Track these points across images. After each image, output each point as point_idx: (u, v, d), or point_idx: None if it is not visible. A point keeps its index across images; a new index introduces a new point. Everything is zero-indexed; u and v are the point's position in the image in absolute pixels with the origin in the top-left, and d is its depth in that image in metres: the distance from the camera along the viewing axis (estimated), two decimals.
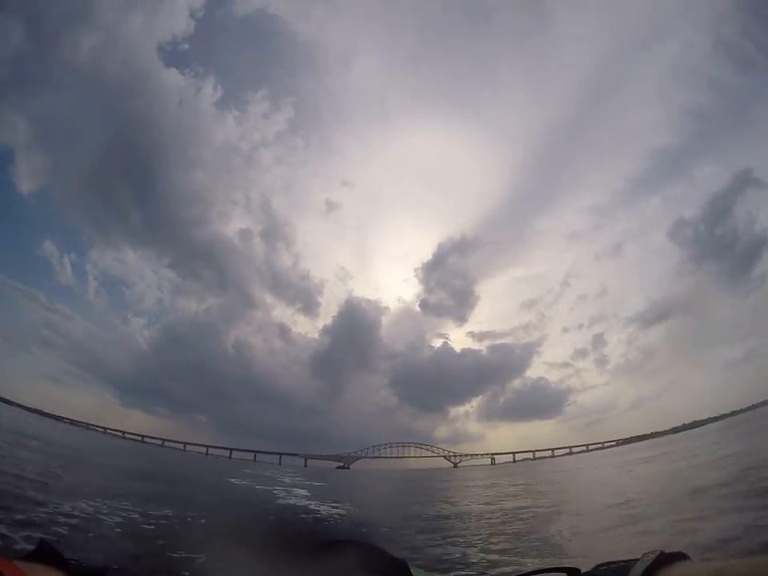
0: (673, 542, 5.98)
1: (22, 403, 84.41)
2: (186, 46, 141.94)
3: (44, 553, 0.73)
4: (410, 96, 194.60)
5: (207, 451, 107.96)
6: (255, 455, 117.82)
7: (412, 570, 0.94)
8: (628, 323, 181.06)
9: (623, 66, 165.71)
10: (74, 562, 0.74)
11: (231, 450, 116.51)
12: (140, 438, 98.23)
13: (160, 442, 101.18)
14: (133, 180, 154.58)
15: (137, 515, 8.96)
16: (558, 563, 0.84)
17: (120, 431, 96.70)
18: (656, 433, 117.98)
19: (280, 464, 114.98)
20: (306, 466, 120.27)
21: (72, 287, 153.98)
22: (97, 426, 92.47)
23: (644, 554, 0.62)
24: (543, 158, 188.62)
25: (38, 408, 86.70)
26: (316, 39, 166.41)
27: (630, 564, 0.62)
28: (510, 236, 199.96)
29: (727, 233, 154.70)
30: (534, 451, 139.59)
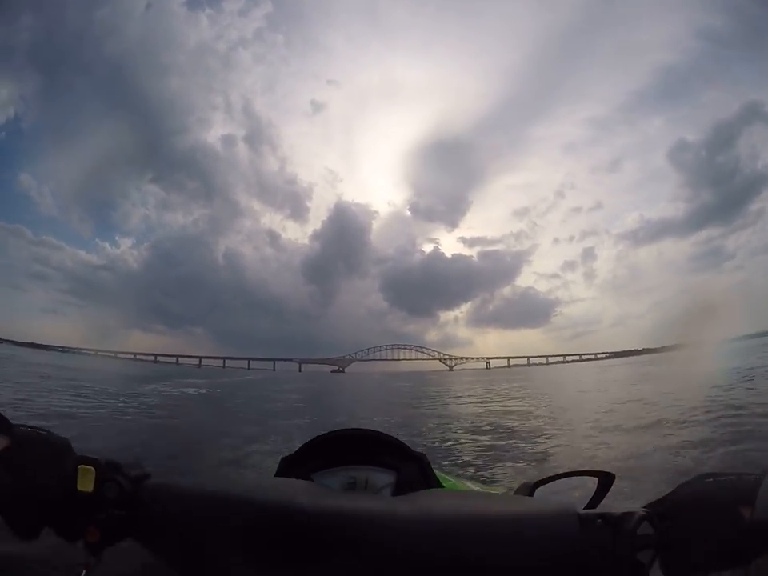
0: None
1: (14, 339, 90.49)
2: None
3: None
4: None
5: (200, 363, 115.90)
6: (249, 363, 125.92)
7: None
8: (619, 240, 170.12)
9: None
10: (27, 428, 0.62)
11: (224, 359, 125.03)
12: (132, 356, 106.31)
13: (152, 358, 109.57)
14: (104, 94, 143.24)
15: None
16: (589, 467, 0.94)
17: (112, 351, 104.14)
18: (647, 349, 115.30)
19: (274, 370, 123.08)
20: (300, 370, 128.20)
21: (56, 217, 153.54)
22: (88, 350, 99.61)
23: (766, 470, 0.53)
24: (543, 64, 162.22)
25: (31, 341, 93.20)
26: None
27: (749, 479, 0.54)
28: (505, 141, 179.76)
29: (728, 162, 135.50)
30: (528, 357, 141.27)
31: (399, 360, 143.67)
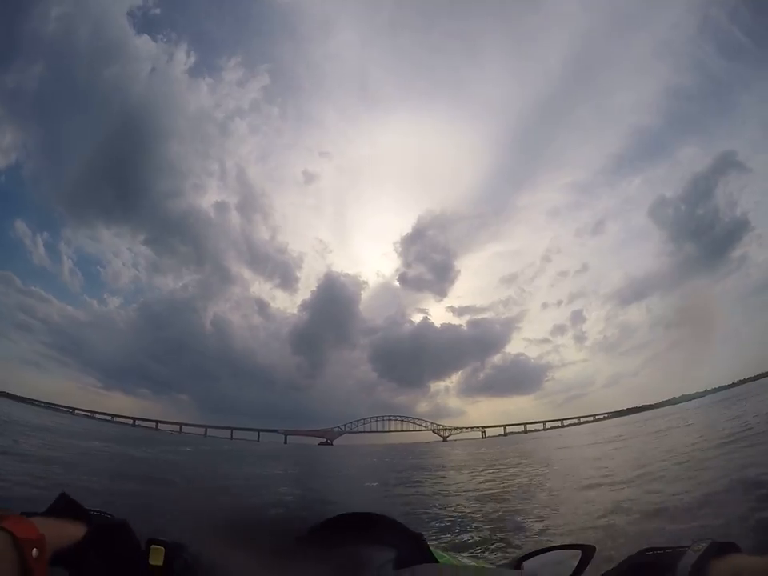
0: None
1: None
2: (158, 10, 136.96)
3: (64, 506, 0.72)
4: (390, 68, 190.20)
5: (180, 429, 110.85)
6: (232, 432, 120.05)
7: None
8: (607, 300, 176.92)
9: (608, 44, 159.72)
10: (96, 513, 0.74)
11: (206, 427, 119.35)
12: (110, 418, 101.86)
13: (131, 422, 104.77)
14: (105, 153, 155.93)
15: None
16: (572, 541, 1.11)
17: (89, 411, 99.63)
18: (647, 406, 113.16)
19: (258, 441, 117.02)
20: (285, 442, 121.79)
21: (46, 268, 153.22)
22: (65, 407, 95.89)
23: (694, 543, 0.62)
24: (525, 135, 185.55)
25: (6, 391, 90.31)
26: (294, 5, 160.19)
27: (678, 552, 0.63)
28: (491, 211, 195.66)
29: (708, 214, 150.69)
30: (525, 424, 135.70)
31: (390, 432, 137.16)
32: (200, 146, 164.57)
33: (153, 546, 0.72)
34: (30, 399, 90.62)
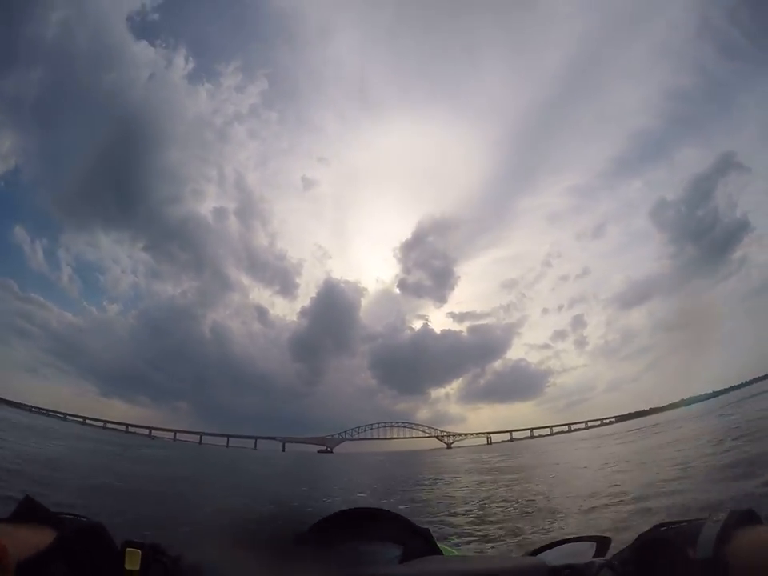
0: None
1: None
2: (156, 16, 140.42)
3: (29, 511, 0.66)
4: (389, 72, 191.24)
5: (175, 436, 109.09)
6: (228, 440, 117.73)
7: (436, 542, 0.96)
8: (608, 304, 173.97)
9: (606, 47, 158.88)
10: (68, 516, 0.68)
11: (201, 434, 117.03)
12: (102, 425, 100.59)
13: (124, 428, 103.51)
14: (104, 159, 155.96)
15: None
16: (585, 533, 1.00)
17: (81, 417, 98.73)
18: (654, 409, 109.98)
19: (255, 448, 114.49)
20: (284, 450, 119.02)
21: (45, 274, 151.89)
22: (57, 413, 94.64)
23: (710, 515, 0.60)
24: (524, 138, 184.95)
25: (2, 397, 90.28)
26: (293, 10, 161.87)
27: (695, 524, 0.60)
28: (491, 215, 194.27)
29: (708, 215, 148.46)
30: (531, 429, 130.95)
31: (392, 439, 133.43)
32: (199, 151, 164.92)
33: (128, 549, 0.65)
34: (23, 405, 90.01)
